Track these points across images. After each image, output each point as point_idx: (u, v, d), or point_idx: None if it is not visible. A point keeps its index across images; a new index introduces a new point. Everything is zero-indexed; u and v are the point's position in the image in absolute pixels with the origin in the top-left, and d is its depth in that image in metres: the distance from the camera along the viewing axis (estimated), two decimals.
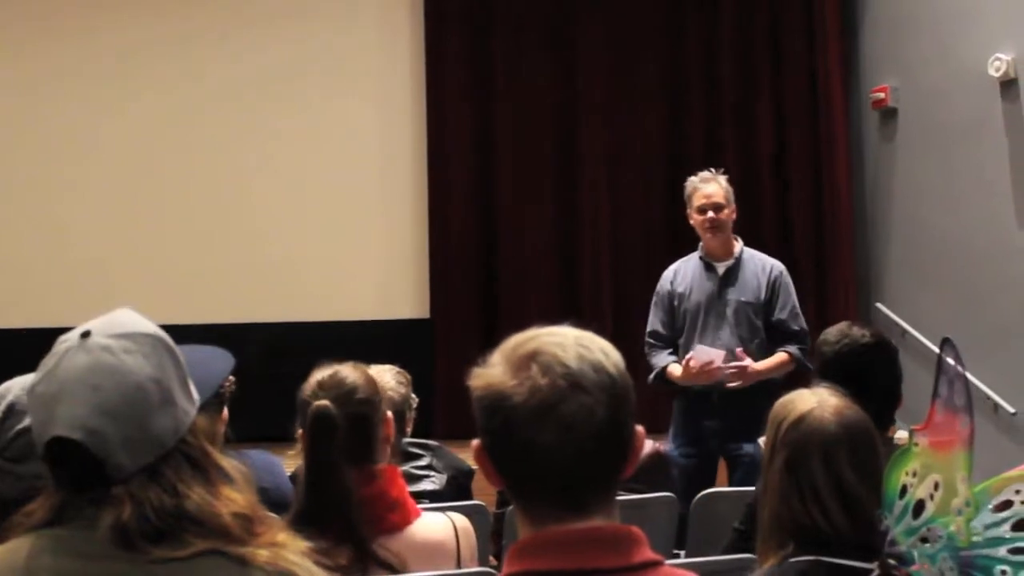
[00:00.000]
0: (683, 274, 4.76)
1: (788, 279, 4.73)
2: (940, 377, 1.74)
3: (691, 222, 4.75)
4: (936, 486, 1.73)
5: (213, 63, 7.77)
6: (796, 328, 4.65)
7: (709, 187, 4.67)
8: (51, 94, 7.68)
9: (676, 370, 4.61)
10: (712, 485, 4.56)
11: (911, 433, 1.79)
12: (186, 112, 7.71)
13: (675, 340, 4.72)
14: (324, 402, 2.24)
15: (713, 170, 4.78)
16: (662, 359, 4.69)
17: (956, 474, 1.70)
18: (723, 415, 4.55)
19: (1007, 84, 6.50)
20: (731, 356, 4.54)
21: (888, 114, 7.47)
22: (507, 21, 7.81)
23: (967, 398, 1.69)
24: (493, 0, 7.83)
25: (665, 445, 4.57)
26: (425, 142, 7.83)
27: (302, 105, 7.81)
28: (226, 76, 7.76)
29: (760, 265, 4.73)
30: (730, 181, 4.77)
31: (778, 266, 4.75)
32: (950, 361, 1.72)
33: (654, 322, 4.76)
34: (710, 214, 4.63)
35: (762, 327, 4.65)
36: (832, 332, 3.03)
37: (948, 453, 1.72)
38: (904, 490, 1.78)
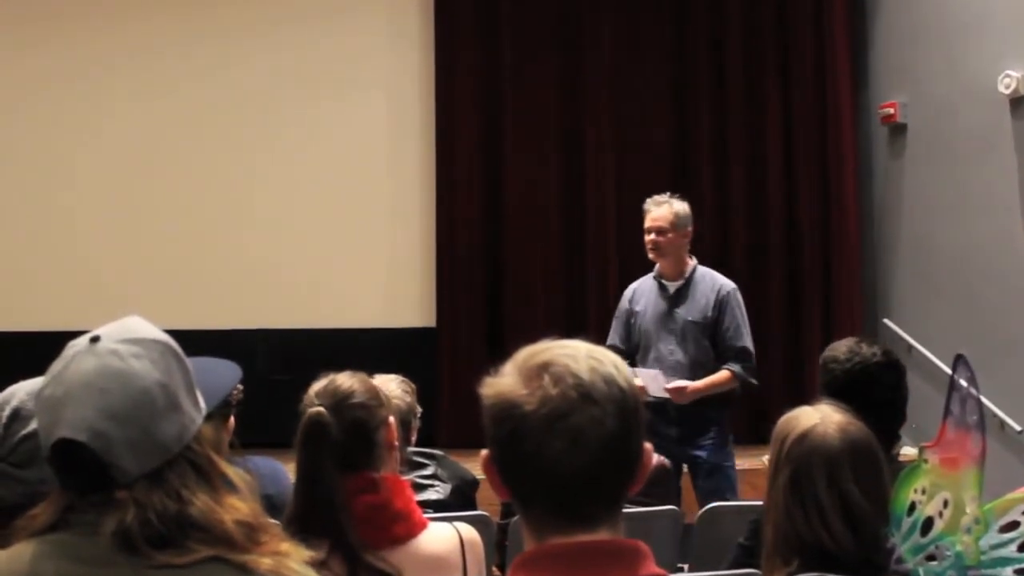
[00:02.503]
0: (640, 292, 5.04)
1: (737, 299, 4.92)
2: (952, 395, 1.73)
3: None
4: (945, 504, 1.72)
5: (220, 67, 7.78)
6: (738, 346, 4.84)
7: (658, 210, 4.91)
8: (56, 96, 7.69)
9: None
10: (679, 491, 4.76)
11: (921, 450, 1.78)
12: (192, 116, 7.72)
13: (632, 354, 4.93)
14: (318, 409, 2.24)
15: (669, 193, 5.02)
16: None
17: (966, 492, 1.69)
18: (680, 423, 4.79)
19: (1016, 101, 6.51)
20: (677, 375, 4.79)
21: (897, 129, 7.47)
22: (514, 26, 7.82)
23: (979, 416, 1.68)
24: (501, 3, 7.83)
25: None
26: (433, 150, 7.83)
27: (309, 111, 7.81)
28: (233, 80, 7.77)
29: (711, 284, 4.94)
30: (688, 204, 4.98)
31: (728, 285, 4.95)
32: (963, 382, 1.71)
33: (612, 337, 5.04)
34: (652, 236, 4.88)
35: (710, 345, 4.87)
36: (841, 349, 2.99)
37: (958, 471, 1.71)
38: (912, 507, 1.77)
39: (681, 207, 4.92)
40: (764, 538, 2.06)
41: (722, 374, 4.81)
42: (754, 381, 4.89)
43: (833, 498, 1.95)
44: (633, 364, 4.85)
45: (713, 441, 4.84)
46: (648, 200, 4.98)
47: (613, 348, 4.81)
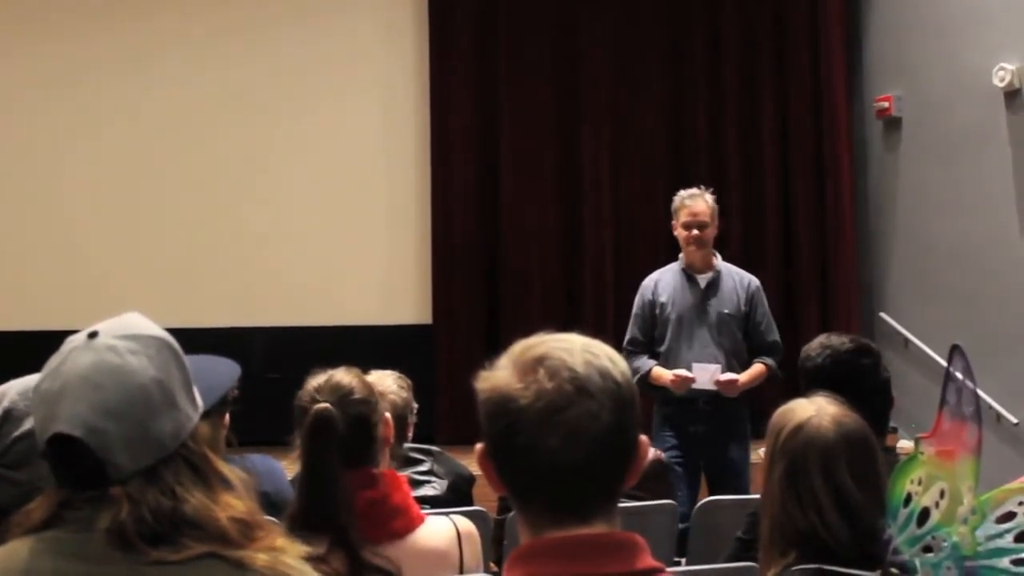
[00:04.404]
0: (664, 284, 4.99)
1: (763, 293, 5.01)
2: (948, 385, 1.73)
3: (675, 233, 4.99)
4: (942, 494, 1.72)
5: (216, 66, 7.76)
6: (771, 340, 4.93)
7: (696, 204, 4.90)
8: (55, 97, 7.67)
9: (661, 373, 4.82)
10: (697, 491, 4.76)
11: (917, 441, 1.78)
12: (189, 115, 7.71)
13: (653, 348, 4.93)
14: (324, 404, 2.24)
15: (702, 187, 5.03)
16: (645, 363, 4.88)
17: (962, 483, 1.69)
18: (708, 420, 4.79)
19: (1011, 94, 6.51)
20: (723, 368, 4.81)
21: (892, 123, 7.47)
22: (511, 25, 7.81)
23: (975, 406, 1.68)
24: (498, 2, 7.83)
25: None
26: (428, 147, 7.83)
27: (305, 109, 7.80)
28: (229, 79, 7.76)
29: (738, 279, 4.98)
30: (717, 198, 5.03)
31: (755, 281, 5.02)
32: (958, 373, 1.71)
33: (634, 331, 4.98)
34: (695, 231, 4.86)
35: (741, 337, 4.90)
36: (813, 347, 3.01)
37: (954, 461, 1.71)
38: (909, 498, 1.77)
39: (712, 199, 4.95)
40: (760, 531, 2.06)
41: (759, 368, 4.84)
42: (780, 375, 4.89)
43: (828, 490, 1.95)
44: (655, 356, 4.88)
45: (740, 440, 4.84)
46: (680, 194, 4.97)
47: (634, 342, 4.92)
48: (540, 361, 1.29)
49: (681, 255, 4.97)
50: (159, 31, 7.73)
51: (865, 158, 7.76)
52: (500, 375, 1.31)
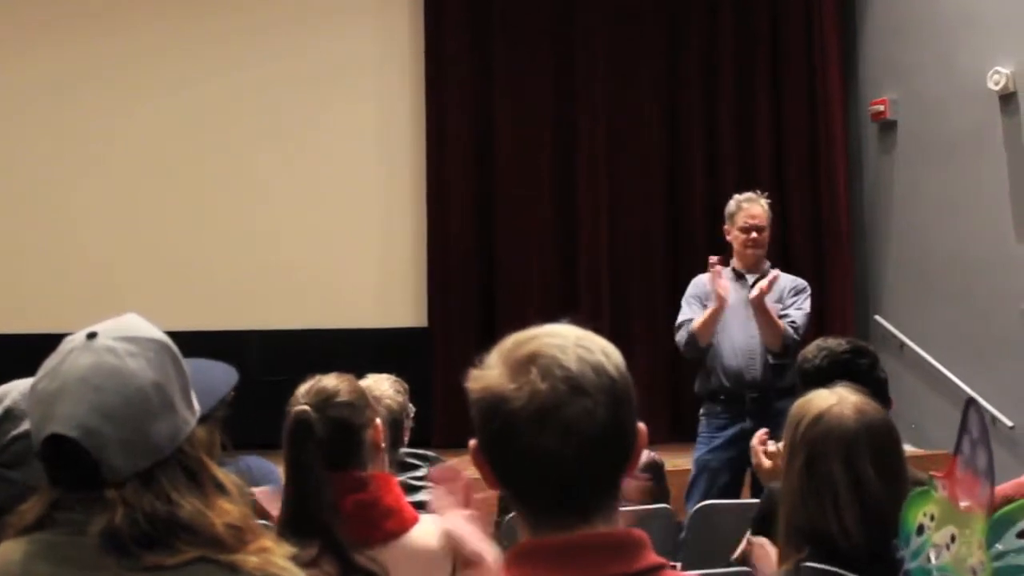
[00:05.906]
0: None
1: (808, 293, 5.05)
2: (963, 436, 1.71)
3: (728, 238, 5.06)
4: (952, 539, 1.69)
5: (214, 70, 7.75)
6: (791, 313, 4.93)
7: (754, 208, 5.01)
8: (56, 99, 7.65)
9: (701, 318, 4.90)
10: (740, 491, 4.75)
11: (930, 479, 1.77)
12: (187, 120, 7.69)
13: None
14: (303, 407, 2.25)
15: (757, 192, 5.12)
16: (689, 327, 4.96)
17: (972, 537, 1.65)
18: (756, 416, 4.72)
19: (1006, 98, 6.51)
20: (756, 355, 4.90)
21: (887, 126, 7.47)
22: (506, 28, 7.81)
23: (988, 462, 1.66)
24: (493, 6, 7.82)
25: (695, 451, 4.94)
26: (424, 150, 7.82)
27: (301, 113, 7.79)
28: (228, 84, 7.74)
29: (788, 281, 5.06)
30: (771, 202, 5.13)
31: (803, 282, 5.10)
32: (974, 430, 1.69)
33: (687, 313, 5.02)
34: (753, 235, 4.99)
35: None
36: (810, 349, 3.05)
37: (966, 511, 1.68)
38: (921, 529, 1.75)
39: (767, 203, 5.07)
40: (778, 526, 2.03)
41: (780, 322, 4.87)
42: (795, 337, 4.86)
43: (848, 481, 1.90)
44: (709, 345, 4.94)
45: None
46: (736, 198, 5.06)
47: (688, 323, 4.98)
48: (532, 359, 1.27)
49: (733, 259, 5.07)
50: (158, 35, 7.71)
51: (860, 161, 7.77)
52: (492, 374, 1.28)
